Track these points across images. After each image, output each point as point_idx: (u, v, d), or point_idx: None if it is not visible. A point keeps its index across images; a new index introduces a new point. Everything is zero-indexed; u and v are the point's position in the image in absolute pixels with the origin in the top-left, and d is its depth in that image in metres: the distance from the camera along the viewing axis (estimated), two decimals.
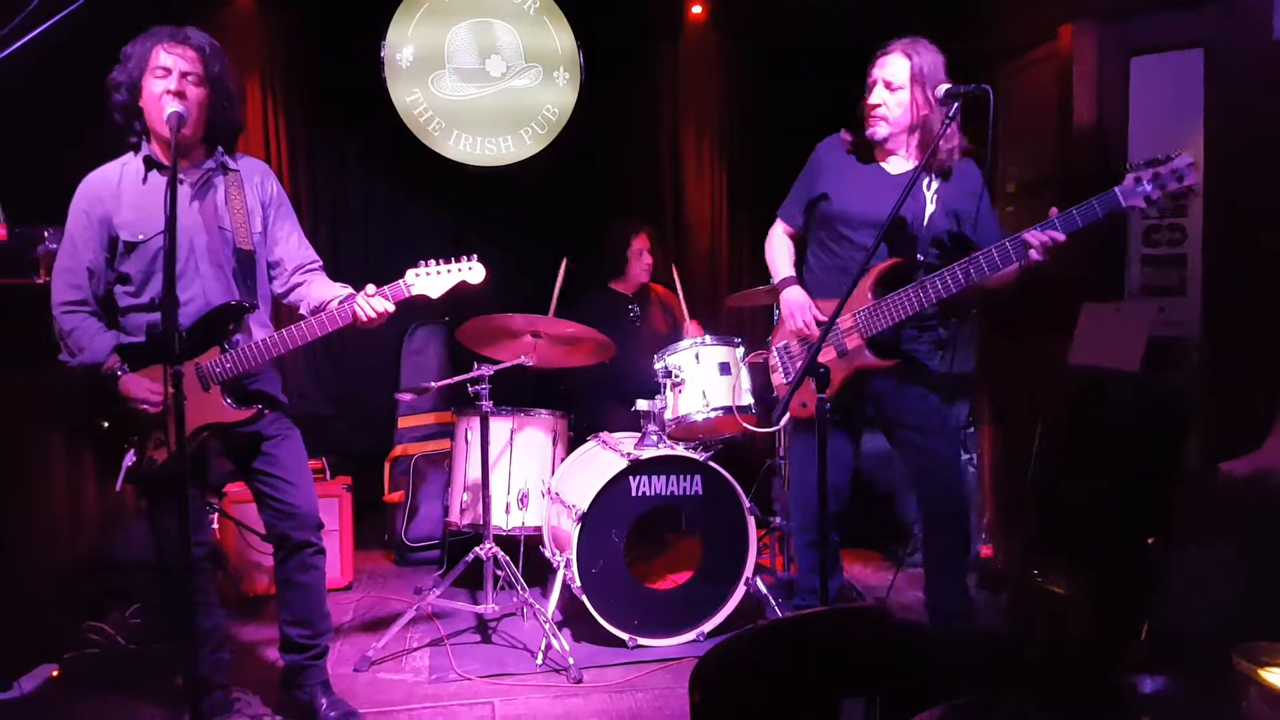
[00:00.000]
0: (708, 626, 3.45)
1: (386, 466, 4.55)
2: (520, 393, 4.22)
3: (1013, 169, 4.58)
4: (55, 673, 3.09)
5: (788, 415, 3.03)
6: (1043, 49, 4.34)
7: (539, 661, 3.24)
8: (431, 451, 4.52)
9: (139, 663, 3.16)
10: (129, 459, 2.58)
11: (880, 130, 2.93)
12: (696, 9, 5.44)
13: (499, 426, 3.83)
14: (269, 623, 3.47)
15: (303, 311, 2.77)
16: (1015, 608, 3.54)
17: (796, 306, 3.00)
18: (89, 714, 2.93)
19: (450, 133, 5.08)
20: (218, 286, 2.66)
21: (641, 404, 3.60)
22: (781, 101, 5.31)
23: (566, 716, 2.90)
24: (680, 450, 3.48)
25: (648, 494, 3.42)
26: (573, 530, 3.33)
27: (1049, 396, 3.55)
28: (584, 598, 3.32)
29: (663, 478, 3.44)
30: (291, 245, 2.83)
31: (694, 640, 3.42)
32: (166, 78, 2.54)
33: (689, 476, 3.46)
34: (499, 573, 3.54)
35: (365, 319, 2.62)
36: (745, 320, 5.15)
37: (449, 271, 2.73)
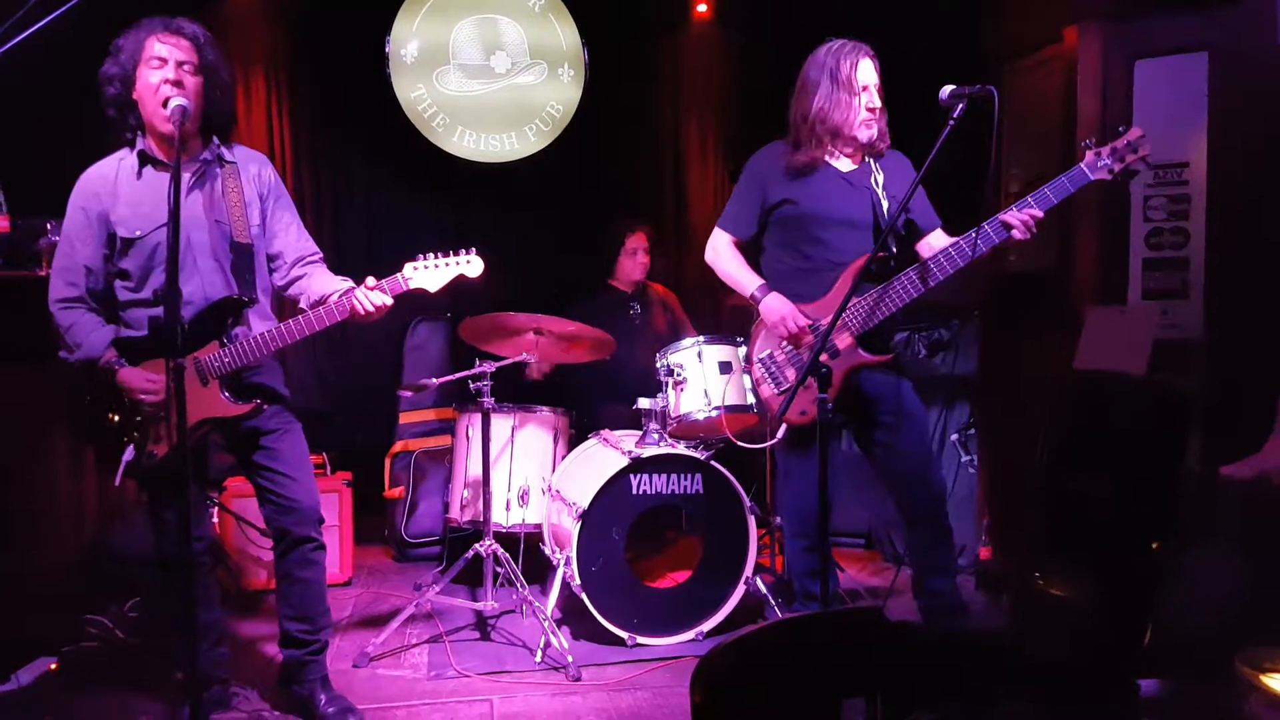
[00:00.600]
0: (707, 626, 3.45)
1: (387, 462, 4.55)
2: (522, 389, 4.22)
3: (1016, 170, 4.58)
4: (53, 666, 3.08)
5: (784, 428, 3.02)
6: (1047, 51, 4.34)
7: (538, 659, 3.24)
8: (432, 447, 4.52)
9: (137, 657, 3.15)
10: (128, 454, 2.58)
11: (874, 135, 3.01)
12: (701, 7, 5.44)
13: (500, 423, 3.83)
14: (268, 617, 3.47)
15: (302, 305, 2.75)
16: (1016, 610, 3.54)
17: (783, 314, 2.98)
18: (87, 707, 2.92)
19: (454, 129, 5.08)
20: (216, 281, 2.65)
21: (643, 402, 3.60)
22: (785, 100, 5.29)
23: (565, 714, 2.90)
24: (681, 449, 3.48)
25: (648, 492, 3.42)
26: (573, 528, 3.33)
27: (1052, 398, 3.55)
28: (583, 596, 3.32)
29: (663, 476, 3.44)
30: (290, 237, 2.82)
31: (693, 639, 3.42)
32: (162, 68, 2.53)
33: (690, 475, 3.46)
34: (499, 570, 3.54)
35: (363, 312, 2.61)
36: (748, 320, 5.14)
37: (447, 264, 2.72)
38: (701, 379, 3.48)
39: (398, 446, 4.55)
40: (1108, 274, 4.00)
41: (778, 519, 4.09)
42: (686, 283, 5.12)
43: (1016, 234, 2.78)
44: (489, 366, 3.50)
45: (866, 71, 2.99)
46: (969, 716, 2.48)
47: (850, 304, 2.88)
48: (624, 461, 3.37)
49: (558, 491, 3.67)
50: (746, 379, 3.47)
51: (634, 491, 3.41)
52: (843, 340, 2.93)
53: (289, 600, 2.80)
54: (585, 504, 3.32)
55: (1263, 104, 3.56)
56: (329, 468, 4.22)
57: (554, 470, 3.87)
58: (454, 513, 3.97)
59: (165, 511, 2.67)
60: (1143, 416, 3.17)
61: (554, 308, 3.76)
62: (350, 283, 2.69)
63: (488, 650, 3.39)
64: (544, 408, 3.95)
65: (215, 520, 3.80)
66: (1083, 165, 2.79)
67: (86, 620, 3.22)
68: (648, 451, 3.42)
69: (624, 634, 3.35)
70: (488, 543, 3.48)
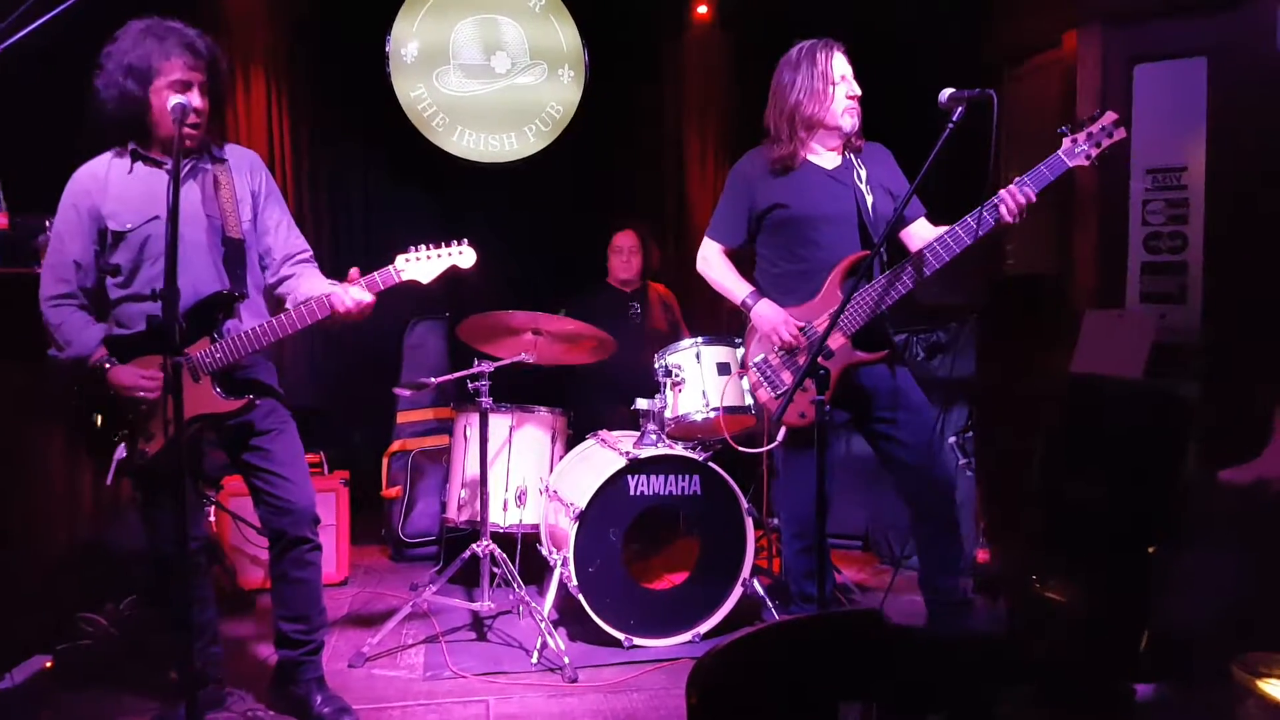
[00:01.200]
0: (704, 627, 3.44)
1: (385, 461, 4.54)
2: (520, 389, 4.22)
3: (1014, 174, 4.58)
4: (48, 664, 3.07)
5: (783, 431, 3.02)
6: (1047, 55, 4.35)
7: (534, 660, 3.24)
8: (430, 447, 4.52)
9: (132, 655, 3.14)
10: (120, 452, 2.57)
11: (857, 122, 3.02)
12: (702, 8, 5.45)
13: (498, 423, 3.82)
14: (264, 617, 3.46)
15: (288, 306, 2.75)
16: (1013, 613, 3.54)
17: (775, 322, 2.98)
18: (81, 706, 2.92)
19: (454, 128, 5.08)
20: (206, 275, 2.64)
21: (641, 403, 3.59)
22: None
23: (561, 716, 2.90)
24: (679, 450, 3.48)
25: (646, 493, 3.42)
26: (570, 529, 3.32)
27: (1049, 402, 3.55)
28: (580, 597, 3.31)
29: (661, 477, 3.43)
30: (280, 234, 2.81)
31: (690, 641, 3.41)
32: (186, 93, 2.53)
33: (687, 476, 3.46)
34: (495, 570, 3.53)
35: (343, 310, 2.59)
36: (747, 321, 5.15)
37: (439, 256, 2.71)
38: (700, 380, 3.48)
39: (395, 446, 4.55)
40: (1106, 277, 4.01)
41: (775, 520, 4.09)
42: (688, 284, 5.12)
43: (1004, 213, 2.76)
44: (487, 366, 3.49)
45: (841, 63, 3.03)
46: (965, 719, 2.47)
47: (844, 303, 2.88)
48: (622, 462, 3.37)
49: (555, 492, 3.67)
50: (745, 380, 3.47)
51: (631, 492, 3.40)
52: (836, 340, 2.93)
53: (284, 600, 2.79)
54: (583, 504, 3.31)
55: (1262, 108, 3.56)
56: (326, 466, 4.22)
57: (551, 470, 3.87)
58: (451, 513, 3.96)
59: (159, 510, 2.66)
60: (1140, 420, 3.17)
61: (554, 307, 3.76)
62: (336, 286, 2.66)
63: (484, 651, 3.38)
64: (542, 408, 3.95)
65: (212, 519, 3.80)
66: (1060, 152, 2.79)
67: (82, 618, 3.22)
68: (645, 452, 3.42)
69: (621, 635, 3.35)
70: (485, 543, 3.48)
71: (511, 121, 5.17)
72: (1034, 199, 2.78)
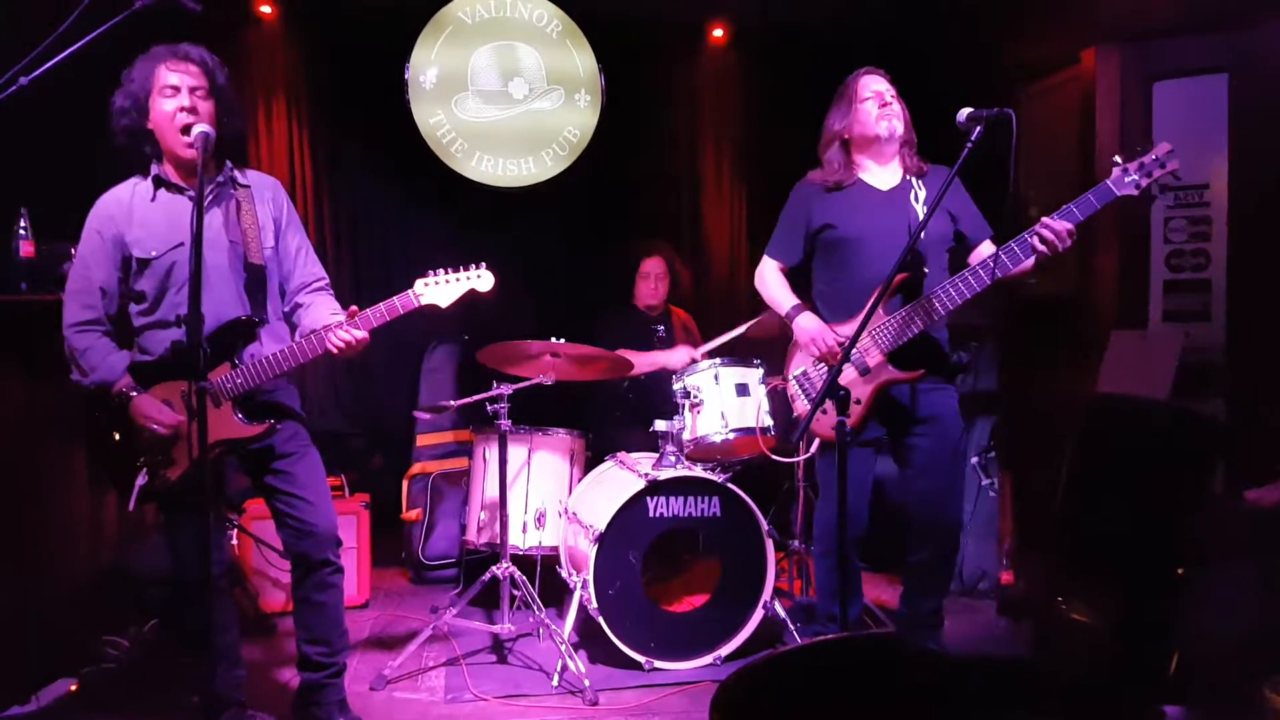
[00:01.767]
0: (725, 650, 3.42)
1: (404, 484, 4.55)
2: (539, 412, 4.22)
3: (1032, 192, 4.57)
4: (73, 687, 3.09)
5: (817, 442, 3.03)
6: (1065, 73, 4.34)
7: (555, 683, 3.22)
8: (449, 470, 4.53)
9: (156, 678, 3.16)
10: (141, 479, 2.59)
11: (897, 127, 3.04)
12: (717, 32, 5.48)
13: (517, 445, 3.83)
14: (286, 640, 3.47)
15: (297, 336, 2.77)
16: (1038, 635, 3.50)
17: (815, 333, 3.02)
18: None
19: (472, 154, 5.12)
20: (229, 301, 2.66)
21: (660, 424, 3.59)
22: (800, 125, 5.32)
23: None
24: (698, 471, 3.46)
25: (665, 515, 3.41)
26: (590, 551, 3.32)
27: (1073, 422, 3.52)
28: (600, 619, 3.30)
29: (680, 499, 3.42)
30: (299, 262, 2.84)
31: (711, 664, 3.39)
32: (176, 95, 2.56)
33: (707, 498, 3.44)
34: (515, 592, 3.53)
35: (335, 350, 2.60)
36: (763, 343, 5.15)
37: (458, 279, 2.73)
38: (719, 401, 3.47)
39: (415, 469, 4.56)
40: (1128, 296, 3.98)
41: (795, 542, 4.07)
42: (702, 304, 5.13)
43: (1036, 242, 2.71)
44: (506, 389, 3.50)
45: (870, 81, 3.08)
46: None
47: (881, 321, 2.90)
48: (641, 484, 3.36)
49: (574, 514, 3.66)
50: (765, 401, 3.47)
51: (651, 514, 3.39)
52: (873, 358, 2.94)
53: (306, 623, 2.80)
54: (602, 526, 3.31)
55: None
56: (347, 490, 4.23)
57: (570, 492, 3.87)
58: (471, 535, 3.97)
59: (182, 534, 2.68)
60: (1166, 441, 3.14)
61: (579, 326, 3.75)
62: (340, 316, 2.67)
63: (504, 673, 3.38)
64: (560, 430, 3.96)
65: (234, 542, 3.81)
66: (1108, 181, 2.75)
67: (106, 641, 3.24)
68: (664, 474, 3.41)
69: (641, 658, 3.33)
70: (505, 565, 3.47)
71: (529, 146, 5.20)
72: (1073, 229, 2.73)
